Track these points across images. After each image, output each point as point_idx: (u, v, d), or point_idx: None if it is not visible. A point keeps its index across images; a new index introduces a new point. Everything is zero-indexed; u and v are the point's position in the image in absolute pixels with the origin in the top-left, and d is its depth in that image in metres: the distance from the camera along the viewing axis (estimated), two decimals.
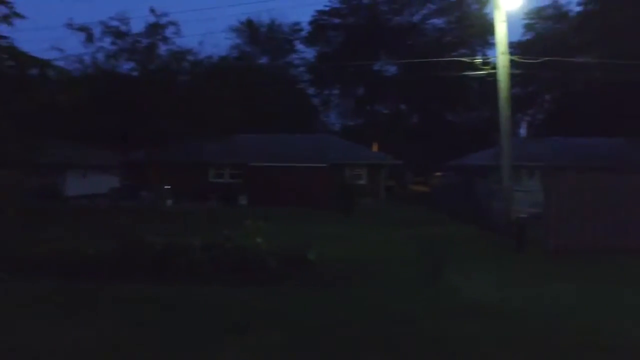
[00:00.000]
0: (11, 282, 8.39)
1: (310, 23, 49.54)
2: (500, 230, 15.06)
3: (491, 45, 37.19)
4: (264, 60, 51.82)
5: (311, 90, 52.65)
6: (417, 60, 33.53)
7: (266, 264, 8.94)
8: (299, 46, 52.04)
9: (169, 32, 23.91)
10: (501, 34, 15.88)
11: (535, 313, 7.08)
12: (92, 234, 12.80)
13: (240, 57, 48.63)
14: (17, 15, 16.38)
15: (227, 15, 77.58)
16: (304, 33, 51.02)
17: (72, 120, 20.63)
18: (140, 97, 22.07)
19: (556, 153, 30.10)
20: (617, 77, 23.67)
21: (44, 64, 17.56)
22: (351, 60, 39.35)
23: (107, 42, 23.55)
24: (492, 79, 16.98)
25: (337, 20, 49.20)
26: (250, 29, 51.24)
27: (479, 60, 18.56)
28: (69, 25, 22.87)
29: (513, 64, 16.12)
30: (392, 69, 48.61)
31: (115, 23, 23.40)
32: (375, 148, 36.46)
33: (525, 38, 44.92)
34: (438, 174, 36.41)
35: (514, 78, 16.54)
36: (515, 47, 32.77)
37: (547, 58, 18.05)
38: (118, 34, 23.54)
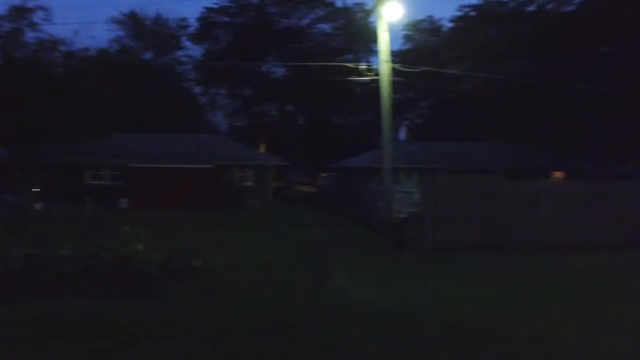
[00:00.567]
0: None
1: (198, 20, 48.18)
2: (383, 229, 15.77)
3: (374, 52, 38.87)
4: (148, 55, 49.46)
5: (198, 89, 51.25)
6: (304, 64, 34.01)
7: (148, 273, 8.50)
8: (186, 43, 50.40)
9: (38, 17, 21.98)
10: (384, 43, 16.66)
11: (411, 309, 7.50)
12: None
13: (121, 50, 45.90)
14: None
15: (108, 4, 72.76)
16: (191, 29, 49.50)
17: None
18: (3, 88, 19.97)
19: (432, 156, 32.33)
20: (483, 89, 26.09)
21: None
22: (239, 60, 38.91)
23: None
24: (375, 84, 17.78)
25: (226, 19, 48.34)
26: (134, 22, 48.56)
27: (363, 66, 19.29)
28: None
29: (394, 71, 16.97)
30: (280, 71, 48.89)
31: None
32: (262, 149, 36.46)
33: (405, 47, 47.67)
34: (324, 175, 37.30)
35: (395, 84, 17.44)
36: (396, 56, 34.60)
37: (423, 68, 19.26)
38: None
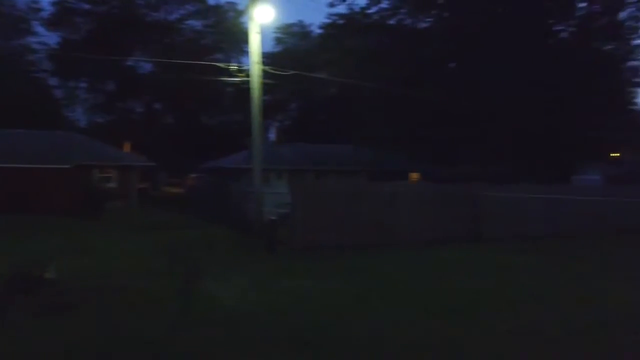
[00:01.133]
0: None
1: (54, 4, 44.16)
2: (253, 231, 15.92)
3: (245, 53, 38.81)
4: None
5: (53, 81, 47.03)
6: (173, 61, 32.85)
7: None
8: (39, 29, 45.87)
9: None
10: (255, 45, 16.80)
11: (276, 311, 7.79)
12: None
13: None
14: None
15: None
16: (45, 14, 45.20)
17: None
18: None
19: (300, 157, 33.32)
20: (348, 93, 27.51)
21: None
22: (102, 52, 36.35)
23: None
24: (245, 85, 17.86)
25: (86, 6, 44.83)
26: None
27: (234, 67, 19.24)
28: None
29: (265, 73, 17.19)
30: (147, 66, 46.68)
31: None
32: (127, 148, 34.65)
33: (276, 50, 48.32)
34: (193, 175, 36.45)
35: (265, 86, 17.66)
36: (267, 57, 34.94)
37: (293, 72, 19.75)
38: None
